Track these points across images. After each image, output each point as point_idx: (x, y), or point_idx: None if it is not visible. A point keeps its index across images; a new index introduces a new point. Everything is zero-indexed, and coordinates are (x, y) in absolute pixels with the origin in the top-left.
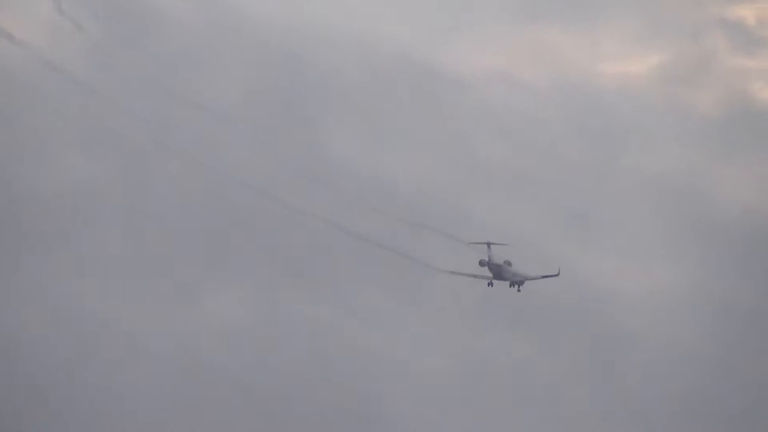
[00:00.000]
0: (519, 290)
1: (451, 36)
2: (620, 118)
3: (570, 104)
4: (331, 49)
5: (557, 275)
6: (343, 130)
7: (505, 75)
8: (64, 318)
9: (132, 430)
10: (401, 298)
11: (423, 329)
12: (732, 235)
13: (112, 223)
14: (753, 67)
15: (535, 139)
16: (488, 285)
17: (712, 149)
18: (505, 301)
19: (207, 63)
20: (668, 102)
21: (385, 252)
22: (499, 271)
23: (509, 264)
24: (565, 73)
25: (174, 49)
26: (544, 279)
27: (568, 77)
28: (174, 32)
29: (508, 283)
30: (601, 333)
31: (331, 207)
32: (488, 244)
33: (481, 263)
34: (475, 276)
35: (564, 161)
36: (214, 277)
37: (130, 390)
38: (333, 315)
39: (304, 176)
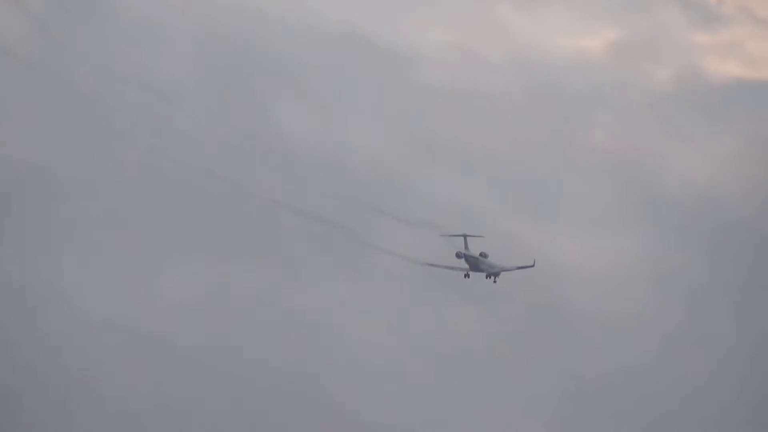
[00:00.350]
0: (495, 281)
1: (405, 11)
2: (576, 93)
3: (525, 80)
4: (283, 26)
5: (533, 266)
6: (295, 107)
7: (459, 50)
8: (14, 295)
9: (85, 406)
10: (377, 288)
11: (398, 318)
12: (686, 209)
13: (63, 201)
14: (708, 42)
15: (489, 116)
16: (465, 276)
17: (667, 124)
18: (476, 283)
19: (155, 40)
20: (624, 77)
21: (360, 243)
22: (475, 263)
23: (485, 256)
24: (519, 48)
25: (122, 26)
26: (520, 270)
27: (522, 53)
28: (122, 9)
29: (484, 274)
30: (561, 311)
31: (286, 189)
32: (464, 237)
33: (458, 255)
34: (452, 268)
35: (518, 137)
36: (165, 253)
37: (82, 367)
38: (296, 299)
39: (258, 155)
